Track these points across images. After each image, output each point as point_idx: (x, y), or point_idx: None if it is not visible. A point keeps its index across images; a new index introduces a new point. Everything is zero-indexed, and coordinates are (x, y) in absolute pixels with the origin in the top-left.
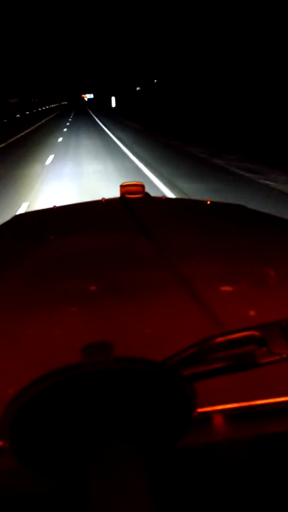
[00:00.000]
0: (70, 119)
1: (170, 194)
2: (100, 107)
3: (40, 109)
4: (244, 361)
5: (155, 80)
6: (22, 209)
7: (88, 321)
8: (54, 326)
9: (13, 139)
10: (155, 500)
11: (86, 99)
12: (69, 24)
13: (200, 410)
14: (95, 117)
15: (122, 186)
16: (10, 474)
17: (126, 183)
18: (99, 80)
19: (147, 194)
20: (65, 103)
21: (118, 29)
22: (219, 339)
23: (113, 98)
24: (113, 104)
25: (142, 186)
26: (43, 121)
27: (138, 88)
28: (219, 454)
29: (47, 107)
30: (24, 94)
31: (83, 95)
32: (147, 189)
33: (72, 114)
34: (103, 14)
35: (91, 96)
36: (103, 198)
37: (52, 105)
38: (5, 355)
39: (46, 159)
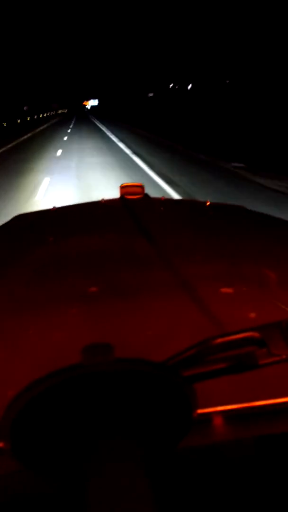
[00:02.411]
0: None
1: None
2: (115, 117)
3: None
4: (244, 362)
5: (171, 85)
6: None
7: (88, 322)
8: (54, 327)
9: None
10: (155, 501)
11: (88, 106)
12: (70, 23)
13: (200, 411)
14: None
15: (121, 187)
16: (11, 475)
17: (125, 184)
18: (105, 85)
19: (147, 195)
20: (65, 111)
21: (125, 28)
22: (219, 340)
23: None
24: None
25: (142, 187)
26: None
27: (150, 94)
28: (219, 455)
29: (34, 117)
30: (9, 100)
31: (84, 102)
32: None
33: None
34: (107, 15)
35: (95, 103)
36: (102, 199)
37: (46, 114)
38: (6, 355)
39: None
